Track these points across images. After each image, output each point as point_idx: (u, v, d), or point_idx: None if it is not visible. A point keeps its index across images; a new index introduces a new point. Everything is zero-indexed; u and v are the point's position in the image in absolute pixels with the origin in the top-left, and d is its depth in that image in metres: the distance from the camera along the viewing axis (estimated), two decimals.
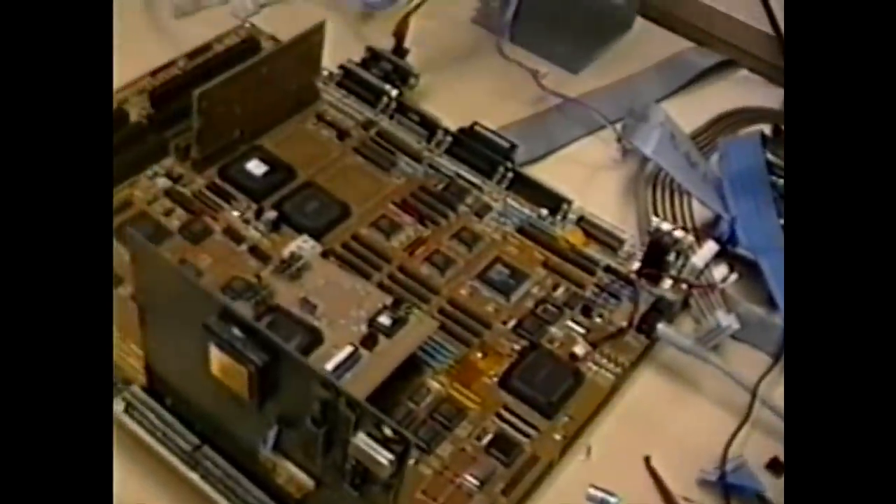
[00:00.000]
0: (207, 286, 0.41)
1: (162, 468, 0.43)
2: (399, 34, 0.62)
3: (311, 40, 0.57)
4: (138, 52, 0.63)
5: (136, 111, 0.57)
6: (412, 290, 0.51)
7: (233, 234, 0.52)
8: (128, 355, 0.46)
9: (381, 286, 0.51)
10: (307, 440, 0.38)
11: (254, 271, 0.50)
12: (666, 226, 0.53)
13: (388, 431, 0.35)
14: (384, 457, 0.35)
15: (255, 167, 0.55)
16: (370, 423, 0.35)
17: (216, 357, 0.38)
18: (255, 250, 0.52)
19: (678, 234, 0.52)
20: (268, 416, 0.39)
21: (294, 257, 0.49)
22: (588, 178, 0.61)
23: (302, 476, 0.40)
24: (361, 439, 0.35)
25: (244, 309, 0.47)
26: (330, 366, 0.44)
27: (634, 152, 0.61)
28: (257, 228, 0.52)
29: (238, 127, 0.55)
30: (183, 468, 0.43)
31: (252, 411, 0.39)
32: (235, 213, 0.53)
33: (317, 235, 0.52)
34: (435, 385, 0.48)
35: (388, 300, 0.48)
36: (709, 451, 0.48)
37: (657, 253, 0.53)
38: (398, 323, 0.47)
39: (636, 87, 0.67)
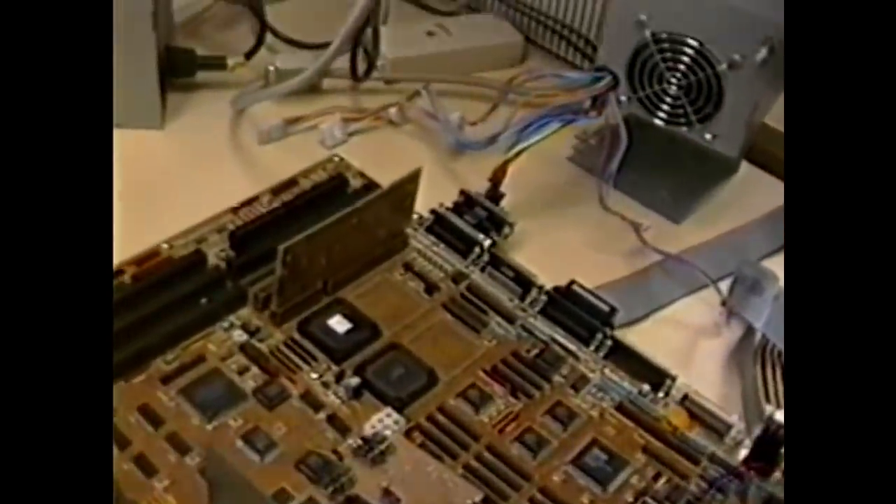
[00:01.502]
0: None
1: None
2: (496, 180, 0.59)
3: (405, 189, 0.53)
4: (220, 181, 0.61)
5: (215, 253, 0.54)
6: (501, 474, 0.47)
7: (311, 400, 0.48)
8: None
9: (467, 468, 0.46)
10: None
11: (332, 444, 0.46)
12: (780, 416, 0.48)
13: None
14: None
15: (338, 324, 0.51)
16: None
17: None
18: (333, 419, 0.48)
19: None
20: None
21: (377, 438, 0.45)
22: (689, 345, 0.57)
23: None
24: None
25: (320, 496, 0.43)
26: None
27: (740, 315, 0.57)
28: (337, 394, 0.49)
29: (322, 278, 0.52)
30: None
31: None
32: (314, 376, 0.49)
33: (401, 406, 0.48)
34: None
35: (478, 497, 0.44)
36: None
37: (769, 446, 0.48)
38: None
39: (742, 243, 0.62)
